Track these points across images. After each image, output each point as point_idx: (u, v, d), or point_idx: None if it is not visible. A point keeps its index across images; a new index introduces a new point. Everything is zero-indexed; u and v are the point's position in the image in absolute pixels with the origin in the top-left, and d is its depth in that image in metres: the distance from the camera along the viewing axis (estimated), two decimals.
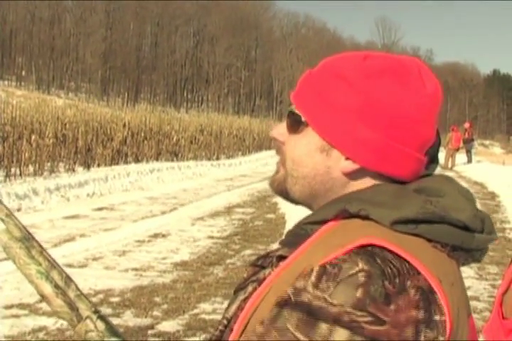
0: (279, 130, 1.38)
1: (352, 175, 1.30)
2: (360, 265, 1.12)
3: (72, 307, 1.30)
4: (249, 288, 1.31)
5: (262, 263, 1.38)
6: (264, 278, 1.26)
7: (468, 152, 34.30)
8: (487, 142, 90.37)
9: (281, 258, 1.27)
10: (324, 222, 1.26)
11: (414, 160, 1.30)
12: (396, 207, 1.21)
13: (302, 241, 1.25)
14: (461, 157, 33.15)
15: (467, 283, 8.37)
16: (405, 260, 1.14)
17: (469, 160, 33.98)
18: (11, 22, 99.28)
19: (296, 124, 1.33)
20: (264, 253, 1.43)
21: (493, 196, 19.44)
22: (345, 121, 1.27)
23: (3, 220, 1.34)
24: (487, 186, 22.14)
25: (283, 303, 1.14)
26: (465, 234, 1.23)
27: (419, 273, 1.14)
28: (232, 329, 1.24)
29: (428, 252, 1.19)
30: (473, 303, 7.36)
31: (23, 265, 1.31)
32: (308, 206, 1.38)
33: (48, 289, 1.29)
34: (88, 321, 1.29)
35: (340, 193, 1.32)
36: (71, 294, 1.31)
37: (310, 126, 1.31)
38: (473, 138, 35.72)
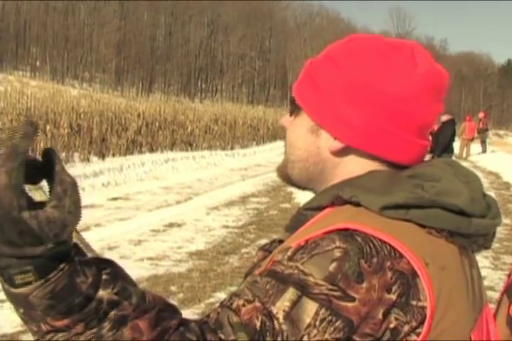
0: (286, 116, 1.42)
1: (340, 154, 1.32)
2: (338, 243, 1.13)
3: None
4: (256, 272, 1.33)
5: (268, 248, 1.42)
6: None
7: (483, 142, 34.15)
8: (502, 132, 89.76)
9: (282, 242, 1.31)
10: (323, 208, 1.28)
11: (405, 141, 1.30)
12: (385, 193, 1.20)
13: (301, 226, 1.27)
14: (475, 147, 33.02)
15: (482, 273, 8.34)
16: (386, 243, 1.14)
17: (484, 150, 33.84)
18: (25, 12, 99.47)
19: (293, 109, 1.37)
20: (274, 238, 1.47)
21: (508, 186, 19.38)
22: (330, 100, 1.29)
23: None
24: (502, 176, 22.06)
25: (260, 273, 1.17)
26: (460, 219, 1.22)
27: (401, 256, 1.13)
28: None
29: (418, 236, 1.18)
30: (488, 293, 7.30)
31: None
32: (312, 190, 1.40)
33: None
34: None
35: (333, 175, 1.34)
36: None
37: (302, 109, 1.35)
38: (488, 128, 35.59)
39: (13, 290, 0.99)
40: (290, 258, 1.14)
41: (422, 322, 1.12)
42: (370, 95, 1.27)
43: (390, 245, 1.13)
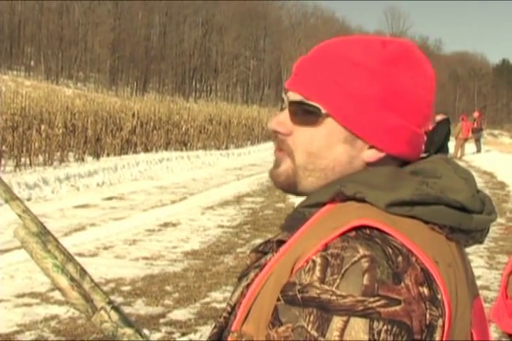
0: (280, 120, 1.34)
1: (373, 163, 1.30)
2: (361, 251, 1.11)
3: (87, 298, 1.32)
4: (252, 275, 1.31)
5: (263, 249, 1.37)
6: (266, 264, 1.25)
7: (477, 141, 34.20)
8: (496, 132, 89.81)
9: (281, 242, 1.27)
10: (322, 204, 1.25)
11: (423, 140, 1.33)
12: (391, 189, 1.20)
13: (300, 224, 1.24)
14: (469, 146, 33.05)
15: (477, 272, 8.37)
16: (399, 240, 1.14)
17: (478, 150, 33.88)
18: (19, 12, 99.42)
19: (311, 116, 1.30)
20: (266, 239, 1.42)
21: (502, 186, 19.40)
22: (371, 110, 1.27)
23: (20, 216, 1.35)
24: (496, 176, 22.10)
25: (291, 301, 1.13)
26: (463, 215, 1.22)
27: (413, 254, 1.14)
28: (235, 316, 1.24)
29: (424, 234, 1.19)
30: (483, 293, 7.35)
31: (40, 259, 1.33)
32: None
33: (64, 282, 1.31)
34: (102, 312, 1.31)
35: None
36: (86, 286, 1.33)
37: (331, 118, 1.28)
38: (482, 128, 35.60)
39: None
40: (322, 281, 1.11)
41: (444, 317, 1.13)
42: (408, 103, 1.28)
43: (403, 244, 1.14)
